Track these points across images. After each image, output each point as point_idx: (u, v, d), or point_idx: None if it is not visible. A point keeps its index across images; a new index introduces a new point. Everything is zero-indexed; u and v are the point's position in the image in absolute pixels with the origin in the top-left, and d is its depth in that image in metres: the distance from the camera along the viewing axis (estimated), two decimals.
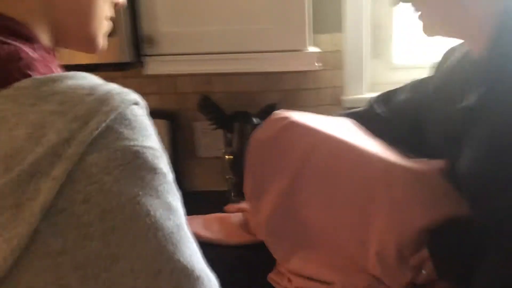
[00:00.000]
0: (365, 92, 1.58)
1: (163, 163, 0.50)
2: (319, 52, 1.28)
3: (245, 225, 1.24)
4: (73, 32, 0.59)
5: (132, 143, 0.47)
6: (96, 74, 0.51)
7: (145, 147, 0.48)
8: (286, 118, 1.04)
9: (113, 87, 0.50)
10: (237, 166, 1.50)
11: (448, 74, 0.97)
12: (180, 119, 1.62)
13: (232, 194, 1.51)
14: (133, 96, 0.50)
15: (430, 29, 0.87)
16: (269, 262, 1.07)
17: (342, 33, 1.52)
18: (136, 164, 0.47)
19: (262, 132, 1.07)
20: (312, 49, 1.22)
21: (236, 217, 1.26)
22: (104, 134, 0.46)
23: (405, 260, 0.90)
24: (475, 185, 0.82)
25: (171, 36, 1.25)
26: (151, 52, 1.25)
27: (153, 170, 0.48)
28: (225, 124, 1.48)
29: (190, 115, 1.62)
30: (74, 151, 0.45)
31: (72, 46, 0.61)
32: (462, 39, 0.92)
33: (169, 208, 0.48)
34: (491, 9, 0.80)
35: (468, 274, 0.80)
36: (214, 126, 1.49)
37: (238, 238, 1.19)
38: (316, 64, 1.17)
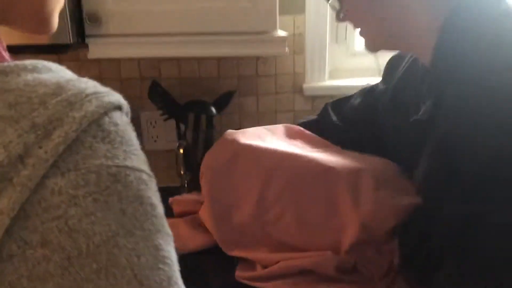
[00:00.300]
0: (328, 79, 1.49)
1: (152, 191, 0.38)
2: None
3: (200, 225, 1.12)
4: (25, 8, 0.45)
5: (110, 162, 0.35)
6: (25, 58, 0.39)
7: (128, 167, 0.36)
8: (235, 141, 1.02)
9: (88, 85, 0.37)
10: (192, 160, 1.37)
11: (402, 82, 0.95)
12: None
13: (186, 190, 1.38)
14: (115, 97, 0.38)
15: (372, 46, 0.86)
16: (229, 264, 1.00)
17: (305, 15, 1.41)
18: (115, 191, 0.35)
19: (214, 159, 1.04)
20: (281, 32, 1.10)
21: (186, 221, 1.14)
22: (72, 150, 0.34)
23: (380, 252, 0.89)
24: (426, 196, 0.82)
25: (117, 14, 1.09)
26: (95, 32, 1.09)
27: (138, 199, 0.36)
28: (177, 114, 1.35)
29: (135, 104, 1.46)
30: (30, 174, 0.32)
31: (19, 26, 0.47)
32: (408, 52, 0.91)
33: (157, 253, 0.37)
34: (433, 20, 0.78)
35: (429, 274, 0.78)
36: (165, 116, 1.35)
37: (194, 243, 1.08)
38: (287, 49, 1.06)
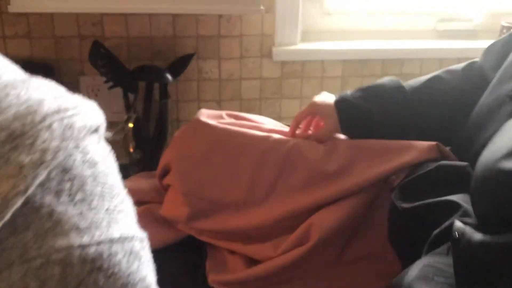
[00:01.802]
0: (299, 42, 1.34)
1: (146, 263, 0.26)
2: None
3: (157, 219, 0.98)
4: None
5: (86, 238, 0.22)
6: None
7: (114, 241, 0.23)
8: (212, 126, 0.89)
9: (43, 92, 0.23)
10: (143, 136, 1.20)
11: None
12: (59, 72, 1.26)
13: (136, 170, 1.21)
14: (89, 113, 0.25)
15: None
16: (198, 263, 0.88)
17: None
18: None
19: (189, 146, 0.90)
20: None
21: (140, 215, 0.98)
22: (17, 227, 0.21)
23: None
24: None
25: None
26: None
27: None
28: (125, 81, 1.16)
29: (73, 67, 1.26)
30: None
31: None
32: None
33: None
34: None
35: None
36: (109, 84, 1.16)
37: (154, 241, 0.93)
38: (262, 7, 0.89)
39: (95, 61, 1.13)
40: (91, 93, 1.27)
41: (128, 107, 1.18)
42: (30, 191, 0.20)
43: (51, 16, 1.21)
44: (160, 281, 0.85)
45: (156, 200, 1.00)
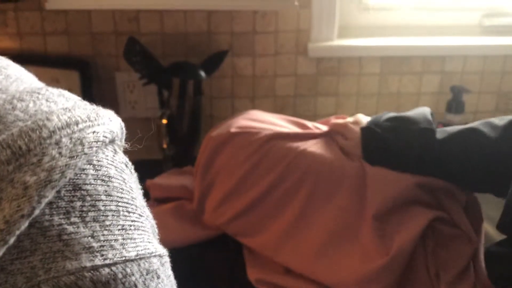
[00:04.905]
0: (336, 38, 1.35)
1: (166, 283, 0.25)
2: None
3: (187, 214, 1.02)
4: None
5: (99, 259, 0.21)
6: None
7: (129, 261, 0.22)
8: (231, 127, 0.99)
9: (54, 104, 0.23)
10: (176, 132, 1.24)
11: None
12: (96, 68, 1.31)
13: (170, 166, 1.25)
14: (104, 124, 0.24)
15: None
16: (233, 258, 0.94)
17: None
18: None
19: (217, 130, 1.00)
20: None
21: (171, 210, 1.03)
22: (22, 248, 0.20)
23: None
24: None
25: None
26: None
27: None
28: (159, 78, 1.20)
29: (110, 64, 1.31)
30: None
31: None
32: None
33: None
34: None
35: None
36: (144, 81, 1.20)
37: (185, 237, 0.97)
38: (296, 3, 0.91)
39: (130, 57, 1.17)
40: (126, 89, 1.32)
41: (162, 103, 1.22)
42: (36, 212, 0.20)
43: (88, 13, 1.26)
44: (196, 277, 0.89)
45: (187, 196, 1.04)
